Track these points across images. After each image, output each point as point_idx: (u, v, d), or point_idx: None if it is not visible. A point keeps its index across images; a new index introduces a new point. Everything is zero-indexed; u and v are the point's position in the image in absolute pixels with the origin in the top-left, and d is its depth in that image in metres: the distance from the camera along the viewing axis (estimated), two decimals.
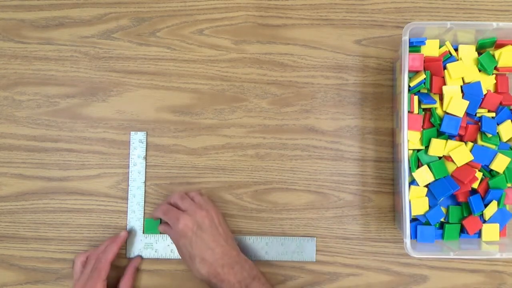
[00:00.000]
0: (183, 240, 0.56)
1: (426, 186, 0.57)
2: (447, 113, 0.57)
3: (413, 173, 0.57)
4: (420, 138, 0.58)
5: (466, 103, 0.57)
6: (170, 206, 0.59)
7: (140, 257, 0.62)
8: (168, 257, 0.63)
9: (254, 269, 0.56)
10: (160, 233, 0.62)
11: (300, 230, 0.63)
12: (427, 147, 0.58)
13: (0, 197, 0.64)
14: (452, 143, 0.57)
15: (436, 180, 0.57)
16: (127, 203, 0.64)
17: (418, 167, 0.58)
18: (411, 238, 0.54)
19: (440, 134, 0.58)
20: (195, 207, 0.57)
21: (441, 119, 0.57)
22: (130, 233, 0.63)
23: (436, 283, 0.62)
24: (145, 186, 0.64)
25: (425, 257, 0.62)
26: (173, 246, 0.63)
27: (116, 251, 0.59)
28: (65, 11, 0.66)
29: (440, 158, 0.58)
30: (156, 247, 0.63)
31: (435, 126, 0.58)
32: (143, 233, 0.63)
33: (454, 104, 0.56)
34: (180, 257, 0.58)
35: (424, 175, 0.57)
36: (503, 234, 0.58)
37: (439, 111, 0.58)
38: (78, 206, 0.64)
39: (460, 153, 0.56)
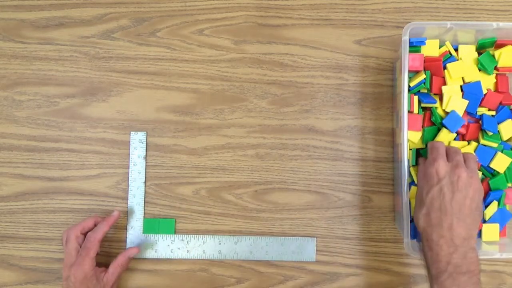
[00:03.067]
0: (422, 182, 0.51)
1: None
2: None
3: (410, 168, 0.57)
4: (421, 136, 0.58)
5: (465, 102, 0.57)
6: (442, 145, 0.53)
7: (137, 248, 0.61)
8: (168, 257, 0.63)
9: (473, 265, 0.48)
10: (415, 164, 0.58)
11: (300, 230, 0.63)
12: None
13: (0, 197, 0.64)
14: (455, 143, 0.57)
15: None
16: (127, 203, 0.64)
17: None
18: (411, 238, 0.54)
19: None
20: (461, 165, 0.50)
21: (442, 118, 0.57)
22: (130, 233, 0.63)
23: None
24: (145, 186, 0.64)
25: None
26: (173, 246, 0.63)
27: (107, 230, 0.59)
28: (65, 11, 0.66)
29: None
30: (156, 247, 0.63)
31: (436, 125, 0.58)
32: (143, 233, 0.63)
33: (454, 103, 0.56)
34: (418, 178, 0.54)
35: None
36: (503, 234, 0.58)
37: (439, 111, 0.58)
38: (78, 206, 0.64)
39: None
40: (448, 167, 0.50)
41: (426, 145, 0.57)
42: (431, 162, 0.51)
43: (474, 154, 0.54)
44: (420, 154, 0.58)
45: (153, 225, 0.63)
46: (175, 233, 0.63)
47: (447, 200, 0.49)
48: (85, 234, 0.59)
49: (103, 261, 0.61)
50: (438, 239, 0.48)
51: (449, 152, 0.52)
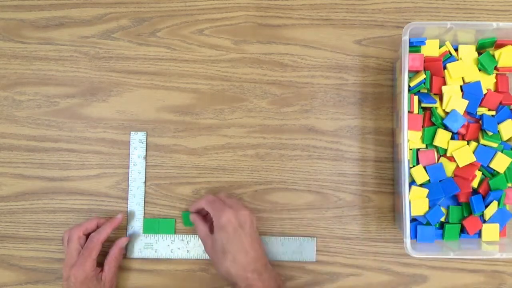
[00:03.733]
0: (221, 234, 0.55)
1: (427, 187, 0.57)
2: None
3: (411, 170, 0.57)
4: (421, 136, 0.58)
5: (465, 102, 0.57)
6: (216, 198, 0.58)
7: (127, 238, 0.61)
8: (168, 257, 0.63)
9: (279, 279, 0.56)
10: (188, 224, 0.62)
11: (300, 230, 0.63)
12: (427, 145, 0.58)
13: (0, 197, 0.64)
14: (455, 143, 0.57)
15: (437, 181, 0.57)
16: (127, 203, 0.64)
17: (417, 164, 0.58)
18: (411, 238, 0.54)
19: None
20: (240, 206, 0.57)
21: (442, 118, 0.57)
22: (130, 233, 0.63)
23: (436, 283, 0.62)
24: (145, 186, 0.64)
25: (425, 257, 0.62)
26: (173, 246, 0.63)
27: (109, 232, 0.59)
28: (65, 11, 0.66)
29: (444, 154, 0.58)
30: (156, 247, 0.63)
31: (436, 125, 0.58)
32: (143, 233, 0.63)
33: (454, 103, 0.56)
34: (207, 250, 0.57)
35: (422, 173, 0.57)
36: (503, 234, 0.58)
37: (439, 111, 0.58)
38: (78, 206, 0.64)
39: (462, 154, 0.56)
40: (233, 212, 0.55)
41: (426, 145, 0.57)
42: (220, 215, 0.55)
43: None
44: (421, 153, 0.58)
45: (153, 225, 0.63)
46: (175, 233, 0.63)
47: (246, 241, 0.55)
48: (87, 235, 0.59)
49: (102, 261, 0.61)
50: (252, 274, 0.54)
51: (219, 200, 0.58)
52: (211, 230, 0.57)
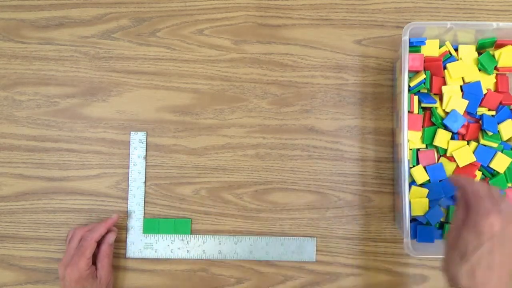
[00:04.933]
0: (468, 236, 0.44)
1: (427, 187, 0.57)
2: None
3: (411, 170, 0.57)
4: (421, 136, 0.58)
5: (465, 102, 0.57)
6: (490, 190, 0.46)
7: (114, 233, 0.60)
8: (168, 257, 0.63)
9: None
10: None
11: (300, 230, 0.63)
12: (427, 145, 0.58)
13: (0, 197, 0.64)
14: (455, 143, 0.57)
15: (437, 181, 0.57)
16: (127, 203, 0.64)
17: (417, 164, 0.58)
18: (411, 238, 0.54)
19: None
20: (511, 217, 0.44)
21: (442, 118, 0.57)
22: (130, 233, 0.63)
23: (436, 283, 0.62)
24: (145, 186, 0.64)
25: (425, 257, 0.62)
26: (173, 246, 0.63)
27: (104, 231, 0.59)
28: (65, 11, 0.66)
29: (444, 154, 0.58)
30: (156, 247, 0.63)
31: (436, 125, 0.58)
32: (143, 233, 0.63)
33: (454, 103, 0.56)
34: (448, 236, 0.47)
35: (422, 173, 0.57)
36: None
37: (439, 111, 0.58)
38: (78, 206, 0.64)
39: (462, 154, 0.56)
40: (502, 222, 0.43)
41: (426, 145, 0.57)
42: (484, 214, 0.43)
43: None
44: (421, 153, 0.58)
45: (153, 225, 0.63)
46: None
47: (497, 258, 0.43)
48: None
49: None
50: None
51: (492, 197, 0.45)
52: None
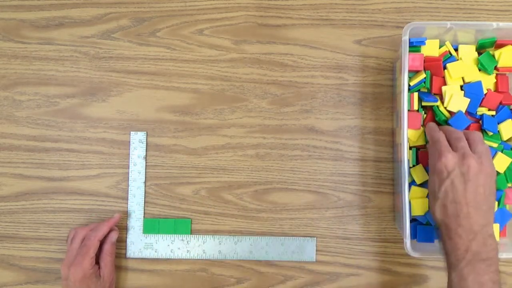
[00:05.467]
0: (433, 177, 0.51)
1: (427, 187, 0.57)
2: (451, 116, 0.57)
3: (411, 169, 0.57)
4: (422, 136, 0.58)
5: (467, 100, 0.56)
6: (442, 136, 0.52)
7: (116, 231, 0.61)
8: (168, 257, 0.63)
9: (492, 252, 0.48)
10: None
11: (300, 230, 0.63)
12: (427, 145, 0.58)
13: (0, 197, 0.64)
14: None
15: None
16: (127, 203, 0.64)
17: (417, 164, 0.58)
18: (411, 238, 0.54)
19: None
20: (468, 154, 0.49)
21: (446, 117, 0.57)
22: (130, 233, 0.63)
23: (436, 283, 0.62)
24: (145, 186, 0.64)
25: (425, 257, 0.62)
26: (173, 246, 0.63)
27: (106, 230, 0.59)
28: (65, 11, 0.66)
29: None
30: (156, 247, 0.63)
31: (439, 124, 0.58)
32: (143, 233, 0.63)
33: (455, 101, 0.56)
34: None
35: (422, 173, 0.57)
36: (503, 234, 0.58)
37: (441, 109, 0.58)
38: (78, 206, 0.64)
39: None
40: (455, 159, 0.49)
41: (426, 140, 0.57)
42: (437, 157, 0.50)
43: (478, 132, 0.53)
44: (423, 151, 0.58)
45: (153, 225, 0.63)
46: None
47: (460, 192, 0.48)
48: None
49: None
50: (456, 228, 0.48)
51: (451, 139, 0.51)
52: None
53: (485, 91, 0.58)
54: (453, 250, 0.48)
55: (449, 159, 0.49)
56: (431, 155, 0.52)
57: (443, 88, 0.57)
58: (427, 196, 0.57)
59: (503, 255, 0.53)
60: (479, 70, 0.58)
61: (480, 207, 0.48)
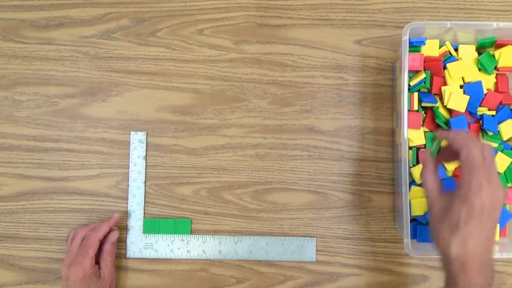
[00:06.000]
0: (464, 207, 0.44)
1: None
2: (451, 116, 0.57)
3: (411, 169, 0.57)
4: (422, 136, 0.58)
5: (466, 98, 0.56)
6: (484, 157, 0.44)
7: (116, 231, 0.61)
8: (168, 257, 0.63)
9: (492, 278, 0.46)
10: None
11: (300, 230, 0.63)
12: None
13: (0, 197, 0.64)
14: None
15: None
16: (127, 203, 0.64)
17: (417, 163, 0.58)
18: (411, 238, 0.54)
19: None
20: (500, 187, 0.45)
21: (445, 117, 0.57)
22: (130, 233, 0.63)
23: (436, 283, 0.62)
24: (145, 186, 0.64)
25: (425, 257, 0.62)
26: (173, 246, 0.63)
27: (106, 230, 0.59)
28: (65, 11, 0.66)
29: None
30: (156, 247, 0.63)
31: (439, 125, 0.58)
32: (143, 233, 0.63)
33: (455, 99, 0.56)
34: (431, 209, 0.48)
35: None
36: (503, 234, 0.58)
37: (441, 110, 0.58)
38: (78, 206, 0.64)
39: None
40: (491, 196, 0.44)
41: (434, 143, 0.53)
42: (476, 191, 0.44)
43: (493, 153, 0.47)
44: (421, 153, 0.58)
45: (153, 225, 0.63)
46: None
47: (486, 230, 0.44)
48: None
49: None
50: (481, 266, 0.44)
51: (485, 167, 0.44)
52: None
53: (485, 91, 0.58)
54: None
55: (487, 195, 0.43)
56: (464, 181, 0.44)
57: (443, 88, 0.57)
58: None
59: (503, 255, 0.53)
60: (479, 70, 0.58)
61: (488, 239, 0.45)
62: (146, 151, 0.64)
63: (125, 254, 0.63)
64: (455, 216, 0.44)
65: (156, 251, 0.63)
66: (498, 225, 0.49)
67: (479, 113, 0.58)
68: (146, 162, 0.64)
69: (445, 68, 0.58)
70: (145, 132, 0.64)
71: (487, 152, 0.45)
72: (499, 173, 0.57)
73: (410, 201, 0.56)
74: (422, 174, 0.49)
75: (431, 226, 0.47)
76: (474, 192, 0.43)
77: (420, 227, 0.57)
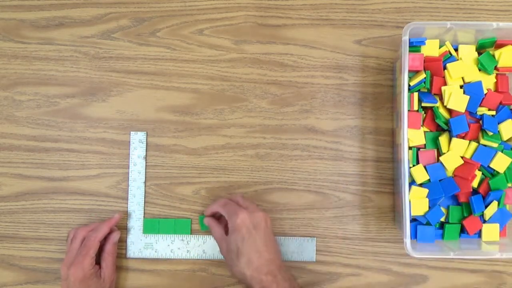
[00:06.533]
0: (235, 235, 0.54)
1: (427, 186, 0.57)
2: (451, 116, 0.57)
3: (411, 169, 0.57)
4: (422, 136, 0.58)
5: (466, 97, 0.56)
6: (230, 200, 0.59)
7: (118, 232, 0.61)
8: (168, 257, 0.63)
9: (294, 281, 0.55)
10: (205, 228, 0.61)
11: (300, 230, 0.63)
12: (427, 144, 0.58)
13: (0, 197, 0.64)
14: (456, 141, 0.57)
15: (437, 181, 0.57)
16: (127, 203, 0.64)
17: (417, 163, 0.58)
18: (411, 238, 0.54)
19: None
20: (255, 207, 0.57)
21: (445, 118, 0.57)
22: (131, 233, 0.63)
23: (436, 283, 0.62)
24: (145, 186, 0.64)
25: (425, 257, 0.62)
26: (173, 246, 0.63)
27: (107, 231, 0.59)
28: (65, 11, 0.66)
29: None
30: (156, 247, 0.63)
31: (440, 125, 0.58)
32: (143, 233, 0.63)
33: (455, 99, 0.56)
34: (222, 253, 0.57)
35: (422, 172, 0.57)
36: (503, 234, 0.58)
37: (441, 110, 0.58)
38: (78, 206, 0.64)
39: (451, 158, 0.56)
40: (248, 215, 0.55)
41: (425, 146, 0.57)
42: (233, 215, 0.55)
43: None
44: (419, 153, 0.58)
45: (153, 225, 0.63)
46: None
47: (258, 242, 0.55)
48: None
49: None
50: (266, 276, 0.53)
51: (232, 202, 0.59)
52: (227, 232, 0.57)
53: (485, 91, 0.58)
54: None
55: (245, 214, 0.55)
56: (228, 221, 0.56)
57: (443, 88, 0.57)
58: (428, 198, 0.57)
59: (503, 255, 0.53)
60: (479, 70, 0.58)
61: (269, 251, 0.55)
62: (146, 151, 0.64)
63: (125, 254, 0.63)
64: (234, 244, 0.54)
65: (156, 251, 0.63)
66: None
67: (479, 113, 0.58)
68: (146, 162, 0.64)
69: (445, 68, 0.58)
70: (145, 132, 0.64)
71: (233, 196, 0.60)
72: (499, 173, 0.57)
73: (410, 201, 0.56)
74: (209, 226, 0.59)
75: (227, 265, 0.57)
76: (233, 217, 0.55)
77: (420, 227, 0.57)
